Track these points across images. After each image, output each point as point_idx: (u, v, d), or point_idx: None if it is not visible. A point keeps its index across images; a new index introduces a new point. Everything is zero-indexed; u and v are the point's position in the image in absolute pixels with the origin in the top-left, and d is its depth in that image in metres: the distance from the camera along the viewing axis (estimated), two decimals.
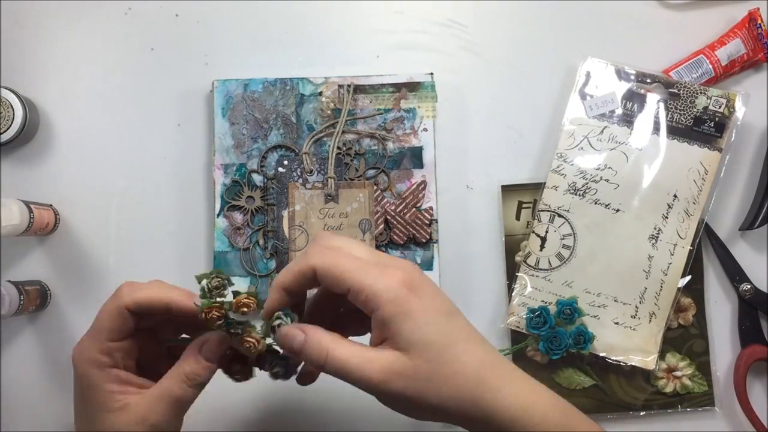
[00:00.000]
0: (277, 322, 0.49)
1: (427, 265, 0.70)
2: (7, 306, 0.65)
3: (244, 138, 0.71)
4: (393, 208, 0.70)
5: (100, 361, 0.50)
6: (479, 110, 0.75)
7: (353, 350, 0.48)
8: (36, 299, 0.69)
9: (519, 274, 0.71)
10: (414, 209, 0.70)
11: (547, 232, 0.71)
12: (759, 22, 0.72)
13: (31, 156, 0.74)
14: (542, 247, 0.71)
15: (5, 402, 0.72)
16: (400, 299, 0.47)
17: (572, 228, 0.71)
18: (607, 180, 0.71)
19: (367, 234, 0.70)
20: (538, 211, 0.71)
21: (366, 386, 0.47)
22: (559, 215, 0.71)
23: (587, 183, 0.71)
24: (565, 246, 0.71)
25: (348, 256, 0.48)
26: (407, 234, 0.70)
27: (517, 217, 0.73)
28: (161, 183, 0.74)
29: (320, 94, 0.72)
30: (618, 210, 0.70)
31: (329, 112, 0.72)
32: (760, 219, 0.71)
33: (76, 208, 0.73)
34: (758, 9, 0.73)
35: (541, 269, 0.71)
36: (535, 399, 0.48)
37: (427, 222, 0.70)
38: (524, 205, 0.73)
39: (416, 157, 0.71)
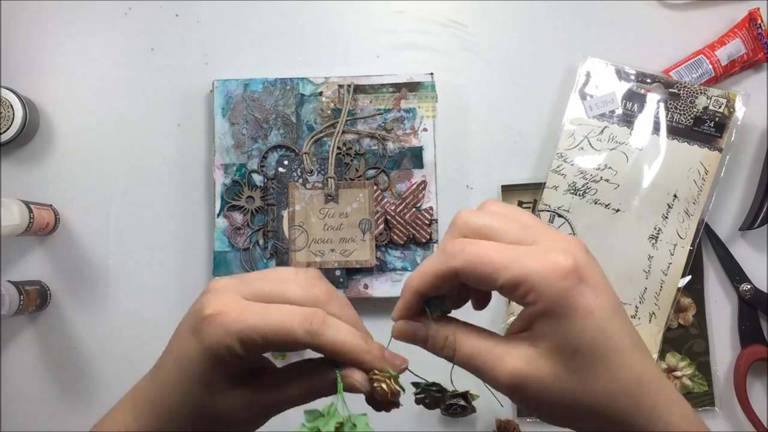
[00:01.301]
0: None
1: None
2: (7, 306, 0.65)
3: (244, 138, 0.71)
4: (393, 208, 0.70)
5: (237, 351, 0.41)
6: (479, 110, 0.75)
7: (482, 344, 0.42)
8: (36, 299, 0.69)
9: None
10: (414, 209, 0.70)
11: None
12: (759, 22, 0.72)
13: (31, 156, 0.74)
14: None
15: (5, 402, 0.72)
16: (562, 295, 0.39)
17: (572, 228, 0.71)
18: (607, 180, 0.71)
19: (367, 234, 0.70)
20: (538, 211, 0.71)
21: (496, 387, 0.42)
22: (559, 215, 0.71)
23: (587, 183, 0.71)
24: None
25: (495, 247, 0.40)
26: (407, 234, 0.70)
27: None
28: (161, 183, 0.74)
29: (320, 94, 0.72)
30: (618, 210, 0.70)
31: (329, 112, 0.72)
32: (760, 219, 0.71)
33: (76, 208, 0.73)
34: (758, 9, 0.73)
35: None
36: (686, 425, 0.42)
37: (427, 222, 0.70)
38: (524, 205, 0.73)
39: (416, 157, 0.71)
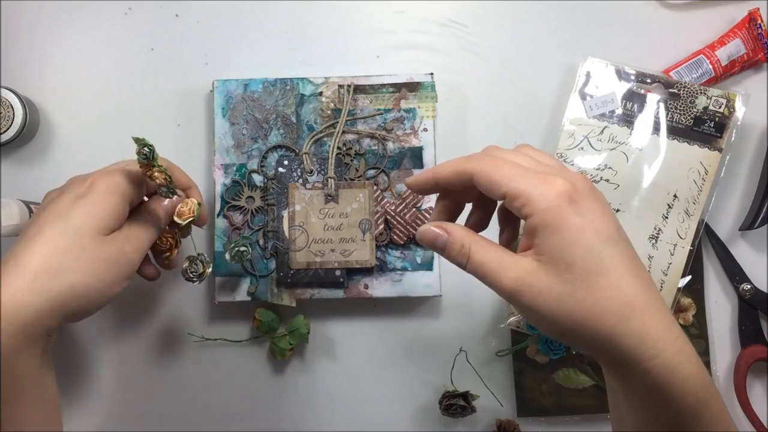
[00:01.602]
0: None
1: (427, 265, 0.70)
2: None
3: (244, 138, 0.71)
4: (393, 208, 0.70)
5: (126, 196, 0.57)
6: (479, 110, 0.75)
7: (492, 254, 0.47)
8: None
9: None
10: (414, 209, 0.70)
11: None
12: (759, 22, 0.72)
13: (31, 156, 0.74)
14: None
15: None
16: (555, 210, 0.44)
17: None
18: (607, 180, 0.71)
19: (367, 234, 0.70)
20: None
21: (499, 293, 0.47)
22: None
23: None
24: None
25: (510, 163, 0.46)
26: (407, 234, 0.70)
27: None
28: None
29: (320, 94, 0.72)
30: (618, 210, 0.70)
31: (329, 112, 0.72)
32: (760, 219, 0.71)
33: None
34: (758, 9, 0.73)
35: None
36: (680, 360, 0.44)
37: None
38: None
39: (416, 157, 0.71)
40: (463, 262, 0.48)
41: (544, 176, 0.45)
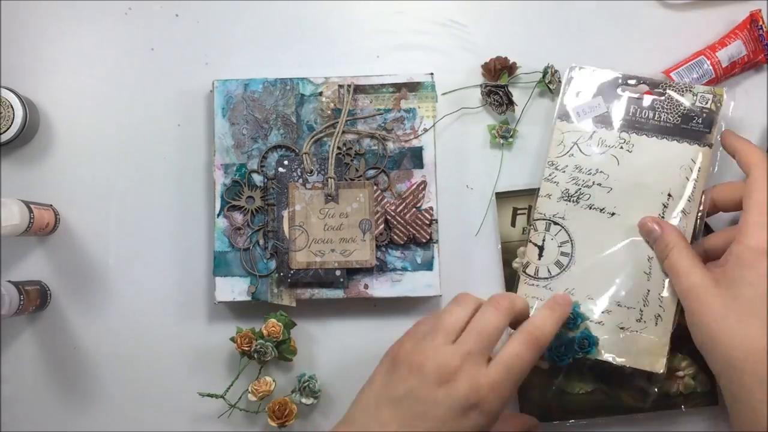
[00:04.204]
0: None
1: (427, 265, 0.70)
2: (7, 306, 0.65)
3: (244, 138, 0.71)
4: (393, 208, 0.70)
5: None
6: (479, 110, 0.75)
7: (685, 261, 0.60)
8: (36, 299, 0.69)
9: (519, 285, 0.70)
10: (414, 209, 0.70)
11: (544, 240, 0.70)
12: (760, 23, 0.72)
13: (31, 156, 0.74)
14: (540, 255, 0.70)
15: (5, 402, 0.72)
16: (754, 255, 0.55)
17: (569, 235, 0.70)
18: (599, 184, 0.70)
19: (367, 234, 0.70)
20: (534, 220, 0.70)
21: (676, 290, 0.61)
22: (555, 223, 0.70)
23: (580, 189, 0.70)
24: (563, 253, 0.70)
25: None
26: (407, 234, 0.70)
27: (512, 224, 0.72)
28: (161, 183, 0.74)
29: (320, 94, 0.72)
30: (613, 213, 0.70)
31: (329, 112, 0.72)
32: None
33: (76, 208, 0.73)
34: (759, 10, 0.73)
35: (540, 278, 0.70)
36: None
37: (427, 222, 0.70)
38: (519, 212, 0.72)
39: (416, 157, 0.71)
40: (662, 258, 0.63)
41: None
